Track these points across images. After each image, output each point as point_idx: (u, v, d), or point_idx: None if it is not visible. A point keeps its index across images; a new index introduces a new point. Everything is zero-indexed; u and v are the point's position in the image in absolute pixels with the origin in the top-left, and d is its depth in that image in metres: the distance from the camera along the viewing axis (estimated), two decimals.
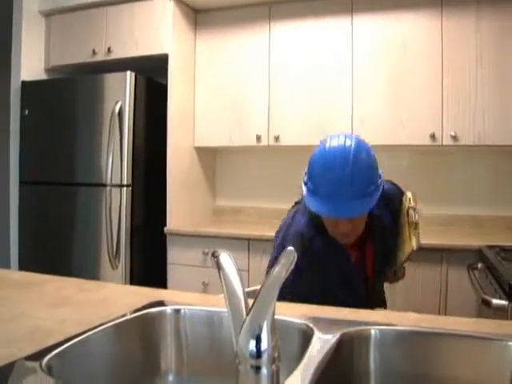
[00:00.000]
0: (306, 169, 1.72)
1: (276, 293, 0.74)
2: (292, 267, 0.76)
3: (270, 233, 3.31)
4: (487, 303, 1.92)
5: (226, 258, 0.87)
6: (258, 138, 3.64)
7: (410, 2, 3.34)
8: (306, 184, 1.70)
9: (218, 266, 0.86)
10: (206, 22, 3.88)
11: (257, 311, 0.73)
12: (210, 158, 4.17)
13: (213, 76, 3.83)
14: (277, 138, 3.59)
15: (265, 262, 3.26)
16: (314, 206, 1.66)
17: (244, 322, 0.74)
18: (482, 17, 3.26)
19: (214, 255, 0.89)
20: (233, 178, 4.19)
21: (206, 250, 3.43)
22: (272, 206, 3.98)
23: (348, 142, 1.63)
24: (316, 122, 3.43)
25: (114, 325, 1.17)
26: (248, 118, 3.70)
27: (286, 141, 3.57)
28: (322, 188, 1.63)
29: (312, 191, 1.65)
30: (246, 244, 3.35)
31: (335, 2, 3.50)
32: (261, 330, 0.72)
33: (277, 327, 0.75)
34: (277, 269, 0.75)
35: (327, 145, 1.66)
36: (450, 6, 3.27)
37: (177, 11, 3.66)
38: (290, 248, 0.79)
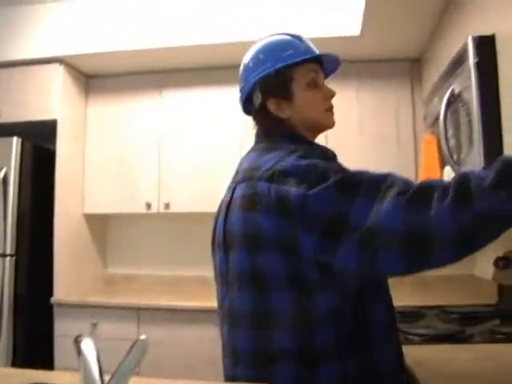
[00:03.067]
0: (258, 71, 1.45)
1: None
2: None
3: (161, 302, 3.33)
4: None
5: (87, 344, 0.86)
6: (148, 205, 3.63)
7: None
8: (279, 62, 1.42)
9: (78, 352, 0.85)
10: (98, 87, 3.90)
11: None
12: (100, 224, 4.08)
13: (103, 142, 3.81)
14: (167, 205, 3.60)
15: (156, 332, 3.23)
16: (302, 55, 1.43)
17: None
18: (362, 90, 3.53)
19: (77, 340, 0.88)
20: (124, 245, 4.12)
21: (95, 321, 3.31)
22: (165, 273, 3.94)
23: None
24: (207, 189, 3.46)
25: None
26: (138, 185, 3.70)
27: (176, 208, 3.59)
28: (297, 43, 1.47)
29: (293, 54, 1.43)
30: (136, 314, 3.27)
31: (224, 73, 3.64)
32: None
33: None
34: (126, 361, 0.76)
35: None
36: (332, 79, 3.49)
37: (67, 76, 3.65)
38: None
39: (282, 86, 1.42)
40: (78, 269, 3.71)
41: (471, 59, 1.99)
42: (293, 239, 1.16)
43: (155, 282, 3.95)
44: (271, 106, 1.42)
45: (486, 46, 1.97)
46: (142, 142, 3.74)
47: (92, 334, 3.28)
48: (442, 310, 2.57)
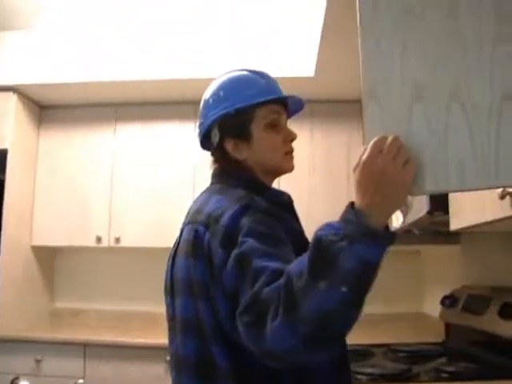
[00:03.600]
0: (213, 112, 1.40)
1: None
2: None
3: (108, 338, 3.25)
4: None
5: None
6: (99, 238, 3.57)
7: None
8: (239, 103, 1.37)
9: None
10: (51, 118, 3.85)
11: None
12: (48, 257, 3.98)
13: (55, 173, 3.75)
14: (118, 240, 3.55)
15: (102, 369, 3.14)
16: (265, 95, 1.39)
17: None
18: (315, 129, 3.61)
19: (12, 383, 0.85)
20: (73, 278, 4.01)
21: (39, 357, 3.20)
22: (113, 308, 3.85)
23: None
24: (158, 224, 3.44)
25: None
26: (89, 218, 3.64)
27: (127, 242, 3.54)
28: (261, 82, 1.42)
29: (256, 93, 1.38)
30: (82, 350, 3.18)
31: (180, 108, 3.66)
32: None
33: None
34: None
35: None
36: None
37: (20, 106, 3.60)
38: None
39: (241, 127, 1.36)
40: (24, 302, 3.59)
41: None
42: (214, 295, 1.13)
43: (103, 318, 3.86)
44: (228, 146, 1.36)
45: None
46: (93, 175, 3.70)
47: (35, 371, 3.17)
48: (390, 349, 2.60)
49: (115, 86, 3.51)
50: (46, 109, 3.88)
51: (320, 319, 0.90)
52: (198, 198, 1.39)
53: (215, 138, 1.38)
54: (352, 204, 0.95)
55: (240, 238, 1.09)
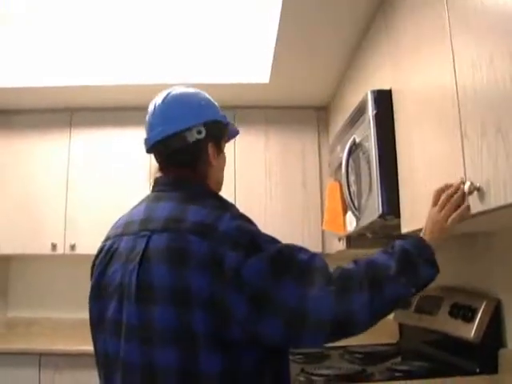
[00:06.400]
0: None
1: None
2: None
3: (64, 346, 3.20)
4: None
5: None
6: (54, 246, 3.51)
7: None
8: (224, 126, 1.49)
9: None
10: (5, 123, 3.76)
11: None
12: (2, 265, 3.89)
13: (9, 179, 3.65)
14: (73, 247, 3.50)
15: (58, 379, 3.09)
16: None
17: None
18: (270, 135, 3.65)
19: None
20: (27, 287, 3.92)
21: None
22: (68, 316, 3.79)
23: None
24: None
25: None
26: (44, 225, 3.57)
27: (82, 249, 3.48)
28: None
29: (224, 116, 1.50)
30: (37, 359, 3.12)
31: (136, 114, 3.64)
32: None
33: None
34: None
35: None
36: (241, 123, 3.60)
37: None
38: None
39: (221, 138, 1.47)
40: None
41: (370, 111, 2.12)
42: (221, 300, 1.13)
43: (58, 326, 3.79)
44: (211, 149, 1.41)
45: (384, 98, 2.12)
46: (48, 181, 3.63)
47: None
48: (346, 351, 2.65)
49: (69, 90, 3.46)
50: None
51: (391, 301, 1.27)
52: (155, 204, 1.36)
53: (198, 135, 1.38)
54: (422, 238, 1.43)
55: (257, 241, 1.19)
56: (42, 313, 3.89)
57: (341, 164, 2.41)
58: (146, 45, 3.35)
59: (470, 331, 1.97)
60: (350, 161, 2.37)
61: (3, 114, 3.79)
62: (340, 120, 3.01)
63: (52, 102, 3.67)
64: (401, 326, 2.92)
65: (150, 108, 1.46)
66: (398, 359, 2.49)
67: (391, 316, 2.93)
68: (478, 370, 1.96)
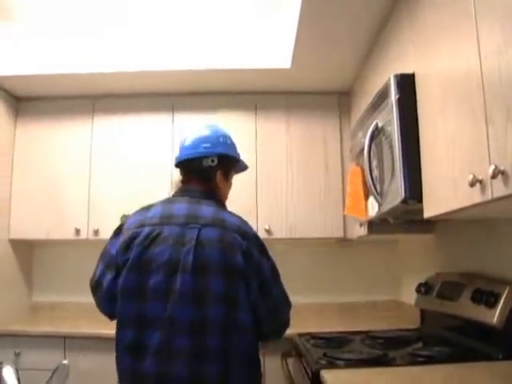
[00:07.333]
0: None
1: None
2: None
3: (88, 330, 3.25)
4: None
5: (8, 372, 0.86)
6: (77, 231, 3.56)
7: (228, 104, 3.64)
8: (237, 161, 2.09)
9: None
10: (29, 110, 3.80)
11: None
12: (26, 251, 3.94)
13: (32, 166, 3.71)
14: (96, 232, 3.54)
15: (82, 361, 3.14)
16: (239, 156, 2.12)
17: None
18: (291, 121, 3.64)
19: None
20: (52, 272, 3.99)
21: (18, 351, 3.19)
22: (91, 300, 3.81)
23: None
24: None
25: None
26: (67, 211, 3.61)
27: (105, 234, 3.48)
28: None
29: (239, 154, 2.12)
30: (62, 342, 3.18)
31: (157, 100, 3.67)
32: None
33: None
34: None
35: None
36: (262, 110, 3.61)
37: None
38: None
39: (230, 170, 2.05)
40: (2, 296, 3.56)
41: (393, 95, 2.11)
42: (249, 278, 1.75)
43: (82, 310, 3.83)
44: (219, 175, 1.97)
45: (407, 83, 2.10)
46: (71, 167, 3.67)
47: (14, 364, 3.15)
48: (367, 336, 2.65)
49: (92, 77, 3.48)
50: (23, 101, 3.83)
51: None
52: (196, 206, 1.85)
53: (211, 163, 1.94)
54: None
55: (265, 249, 1.86)
56: (65, 297, 3.94)
57: (363, 149, 2.40)
58: (170, 31, 3.36)
59: (493, 316, 1.96)
60: (373, 146, 2.36)
61: (28, 102, 3.83)
62: (362, 105, 2.99)
63: (75, 89, 3.69)
64: (422, 312, 2.91)
65: (184, 136, 2.03)
66: (420, 344, 2.48)
67: (413, 302, 2.93)
68: (500, 356, 1.95)
